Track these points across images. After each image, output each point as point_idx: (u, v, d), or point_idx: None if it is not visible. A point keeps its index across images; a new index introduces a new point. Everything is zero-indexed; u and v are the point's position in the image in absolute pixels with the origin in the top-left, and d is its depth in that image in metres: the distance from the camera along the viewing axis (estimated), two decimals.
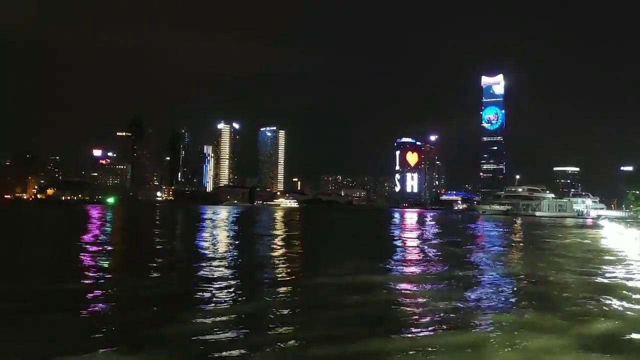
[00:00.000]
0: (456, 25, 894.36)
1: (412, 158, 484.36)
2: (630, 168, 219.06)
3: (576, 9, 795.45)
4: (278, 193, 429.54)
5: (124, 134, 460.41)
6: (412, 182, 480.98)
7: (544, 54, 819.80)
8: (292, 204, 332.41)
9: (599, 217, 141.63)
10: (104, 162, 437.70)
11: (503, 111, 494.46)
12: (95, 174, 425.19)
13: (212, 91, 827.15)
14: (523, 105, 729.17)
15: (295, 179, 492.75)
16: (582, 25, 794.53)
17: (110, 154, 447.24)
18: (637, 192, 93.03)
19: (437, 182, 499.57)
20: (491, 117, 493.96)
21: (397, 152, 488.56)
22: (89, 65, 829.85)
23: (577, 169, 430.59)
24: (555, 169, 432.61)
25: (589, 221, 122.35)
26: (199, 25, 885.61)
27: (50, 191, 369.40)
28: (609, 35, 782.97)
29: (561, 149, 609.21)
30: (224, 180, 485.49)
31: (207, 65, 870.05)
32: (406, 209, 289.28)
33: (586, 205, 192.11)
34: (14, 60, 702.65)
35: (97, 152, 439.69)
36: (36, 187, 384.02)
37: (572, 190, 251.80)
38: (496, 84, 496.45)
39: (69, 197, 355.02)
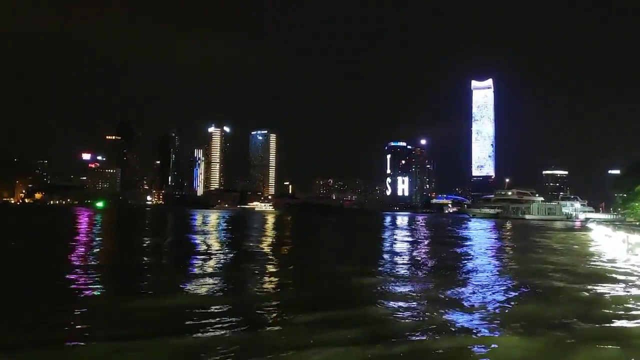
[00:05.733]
0: (447, 30, 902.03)
1: (403, 162, 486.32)
2: (617, 172, 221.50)
3: (567, 12, 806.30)
4: (269, 197, 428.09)
5: (113, 137, 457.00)
6: (403, 186, 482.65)
7: (534, 58, 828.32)
8: (268, 207, 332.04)
9: (587, 220, 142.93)
10: (93, 166, 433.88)
11: (493, 115, 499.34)
12: (84, 178, 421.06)
13: (203, 94, 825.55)
14: (512, 110, 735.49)
15: (287, 183, 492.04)
16: (573, 29, 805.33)
17: (99, 157, 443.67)
18: (624, 195, 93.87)
19: (427, 186, 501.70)
20: (481, 122, 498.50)
21: (388, 156, 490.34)
22: (78, 68, 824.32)
23: (566, 172, 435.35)
24: (544, 172, 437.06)
25: (578, 224, 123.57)
26: (190, 28, 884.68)
27: (38, 195, 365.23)
28: (598, 42, 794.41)
29: (550, 153, 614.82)
30: (215, 184, 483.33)
31: (198, 69, 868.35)
32: (397, 213, 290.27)
33: (575, 208, 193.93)
34: None
35: (86, 156, 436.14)
36: (24, 191, 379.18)
37: (561, 193, 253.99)
38: (486, 88, 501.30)
39: (57, 202, 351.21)
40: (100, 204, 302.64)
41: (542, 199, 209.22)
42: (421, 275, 21.83)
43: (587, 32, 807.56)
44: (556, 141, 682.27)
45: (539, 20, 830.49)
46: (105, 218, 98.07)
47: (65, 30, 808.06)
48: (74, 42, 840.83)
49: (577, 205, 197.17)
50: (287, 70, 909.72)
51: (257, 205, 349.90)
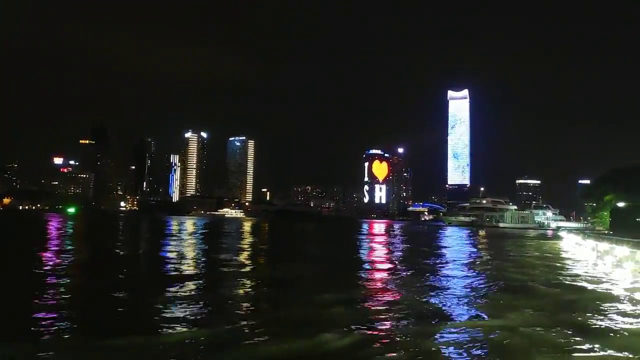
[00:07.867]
0: (424, 40, 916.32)
1: (380, 170, 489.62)
2: (587, 181, 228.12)
3: (542, 24, 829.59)
4: (247, 203, 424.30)
5: (87, 142, 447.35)
6: (381, 194, 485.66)
7: (509, 69, 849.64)
8: (239, 214, 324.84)
9: (558, 228, 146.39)
10: (65, 170, 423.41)
11: (468, 125, 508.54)
12: (56, 182, 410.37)
13: (180, 100, 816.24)
14: (488, 120, 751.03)
15: (264, 190, 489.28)
16: (547, 41, 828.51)
17: (72, 162, 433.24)
18: (594, 204, 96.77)
19: (404, 194, 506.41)
20: (456, 131, 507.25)
21: (366, 164, 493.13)
22: (52, 71, 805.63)
23: (539, 182, 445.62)
24: (517, 181, 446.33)
25: (550, 232, 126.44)
26: (167, 33, 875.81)
27: (6, 200, 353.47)
28: (574, 52, 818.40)
29: (523, 163, 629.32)
30: (191, 190, 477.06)
31: (175, 74, 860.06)
32: (374, 220, 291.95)
33: (547, 216, 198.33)
34: None
35: (58, 160, 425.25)
36: None
37: (534, 202, 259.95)
38: (462, 98, 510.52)
39: (27, 207, 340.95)
40: (71, 210, 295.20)
41: (515, 207, 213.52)
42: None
43: (562, 42, 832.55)
44: (529, 151, 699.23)
45: (515, 30, 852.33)
46: (74, 227, 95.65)
47: (37, 32, 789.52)
48: (48, 44, 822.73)
49: (549, 213, 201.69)
50: (265, 78, 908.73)
51: (228, 212, 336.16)
